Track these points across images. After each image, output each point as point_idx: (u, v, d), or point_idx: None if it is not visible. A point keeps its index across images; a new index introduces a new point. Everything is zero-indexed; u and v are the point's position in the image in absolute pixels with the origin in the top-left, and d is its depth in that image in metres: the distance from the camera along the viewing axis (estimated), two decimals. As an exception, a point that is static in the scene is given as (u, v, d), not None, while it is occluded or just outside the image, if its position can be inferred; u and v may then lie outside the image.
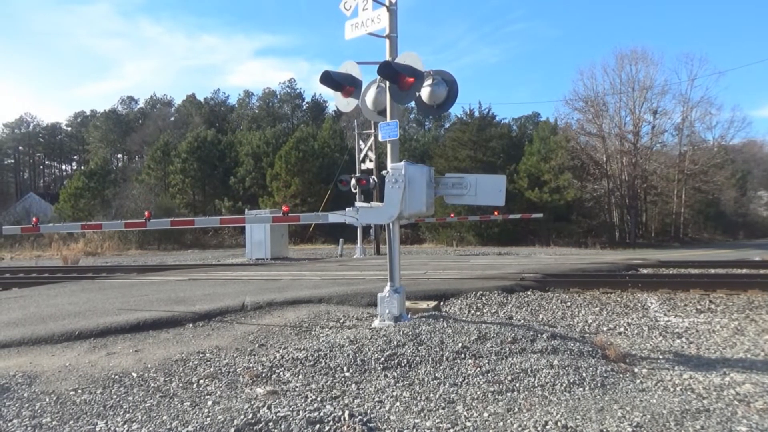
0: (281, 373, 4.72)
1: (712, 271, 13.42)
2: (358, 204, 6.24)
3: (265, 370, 4.77)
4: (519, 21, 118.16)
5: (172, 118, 79.55)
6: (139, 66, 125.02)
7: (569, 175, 37.66)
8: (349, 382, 4.47)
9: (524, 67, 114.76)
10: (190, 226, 9.74)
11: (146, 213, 7.49)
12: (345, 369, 4.73)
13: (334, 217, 6.47)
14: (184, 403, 4.08)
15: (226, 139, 56.06)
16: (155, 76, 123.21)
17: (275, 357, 5.11)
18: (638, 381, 4.58)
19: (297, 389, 4.34)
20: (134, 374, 4.79)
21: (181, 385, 4.53)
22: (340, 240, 28.08)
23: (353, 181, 15.40)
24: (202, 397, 4.21)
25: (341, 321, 6.86)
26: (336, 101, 7.04)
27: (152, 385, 4.54)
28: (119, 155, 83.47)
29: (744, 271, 13.11)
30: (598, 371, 4.69)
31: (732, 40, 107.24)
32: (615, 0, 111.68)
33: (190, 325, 7.00)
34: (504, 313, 7.90)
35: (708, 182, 41.31)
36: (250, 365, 4.94)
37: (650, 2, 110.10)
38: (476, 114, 42.42)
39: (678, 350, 5.78)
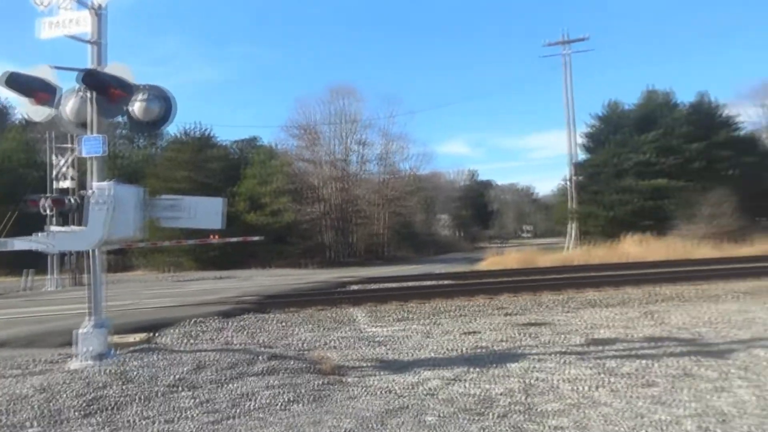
0: (-61, 440, 3.77)
1: (407, 284, 15.40)
2: (52, 228, 5.44)
3: None
4: (241, 43, 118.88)
5: None
6: None
7: (287, 198, 39.09)
8: (38, 438, 3.81)
9: (245, 90, 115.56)
10: None
11: None
12: (31, 424, 4.01)
13: (20, 244, 5.49)
14: None
15: None
16: None
17: (-70, 422, 4.05)
18: (348, 390, 4.96)
19: (-38, 458, 3.51)
20: None
21: None
22: (28, 271, 23.81)
23: (46, 202, 13.29)
24: None
25: (27, 367, 5.79)
26: (25, 108, 6.04)
27: None
28: None
29: (430, 282, 15.38)
30: (313, 386, 4.94)
31: (422, 85, 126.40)
32: (330, 36, 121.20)
33: None
34: (222, 338, 7.73)
35: (403, 206, 47.77)
36: None
37: (357, 42, 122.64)
38: (195, 134, 41.09)
39: (381, 357, 6.45)
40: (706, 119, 31.08)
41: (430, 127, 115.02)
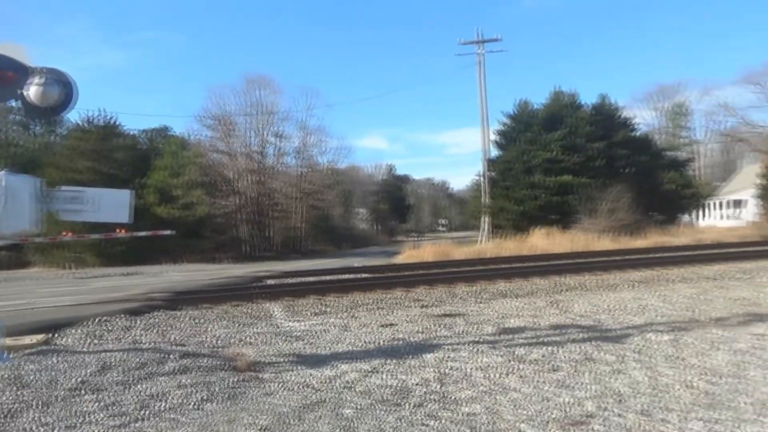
0: None
1: (325, 277, 15.34)
2: (-68, 222, 4.95)
3: None
4: (149, 28, 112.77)
5: None
6: None
7: (200, 191, 37.79)
8: None
9: (155, 77, 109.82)
10: None
11: None
12: None
13: None
14: None
15: None
16: None
17: None
18: (265, 386, 4.89)
19: None
20: None
21: None
22: None
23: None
24: None
25: None
26: None
27: None
28: None
29: (349, 276, 15.41)
30: (228, 383, 4.82)
31: (340, 79, 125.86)
32: (245, 24, 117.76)
33: None
34: (130, 337, 7.36)
35: (321, 200, 47.71)
36: None
37: (273, 32, 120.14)
38: (99, 122, 38.64)
39: (299, 352, 6.40)
40: (606, 120, 33.19)
41: (349, 121, 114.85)
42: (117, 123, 40.13)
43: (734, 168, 66.59)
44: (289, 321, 8.45)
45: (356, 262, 25.93)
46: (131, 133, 45.08)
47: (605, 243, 23.90)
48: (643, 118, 62.13)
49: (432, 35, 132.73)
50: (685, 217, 39.03)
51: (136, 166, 38.69)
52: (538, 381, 4.72)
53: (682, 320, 7.16)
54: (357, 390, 4.68)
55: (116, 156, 37.55)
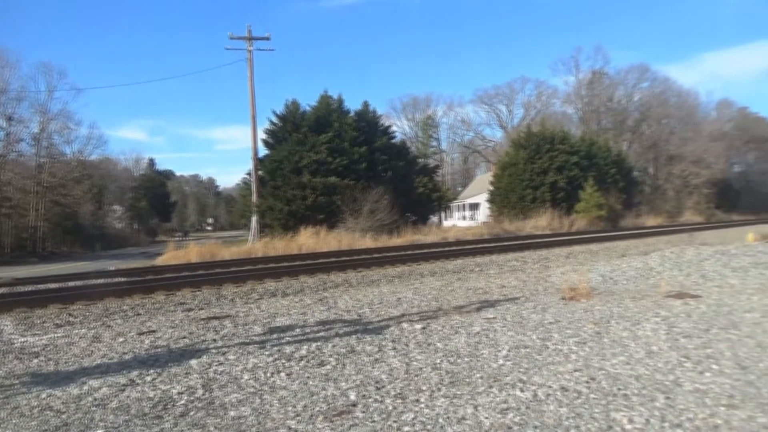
0: None
1: (71, 283, 13.56)
2: None
3: None
4: None
5: None
6: None
7: None
8: None
9: None
10: None
11: None
12: None
13: None
14: None
15: None
16: None
17: None
18: (-11, 415, 4.12)
19: None
20: None
21: None
22: None
23: None
24: None
25: None
26: None
27: None
28: None
29: (101, 281, 13.86)
30: (-64, 418, 3.95)
31: (91, 60, 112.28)
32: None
33: None
34: None
35: (67, 195, 41.90)
36: None
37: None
38: None
39: (36, 370, 5.54)
40: (369, 126, 35.55)
41: (102, 109, 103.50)
42: None
43: (472, 176, 77.62)
44: (24, 336, 7.27)
45: (111, 265, 23.51)
46: None
47: (367, 242, 25.61)
48: (400, 127, 68.76)
49: (205, 29, 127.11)
50: (434, 218, 43.90)
51: None
52: (305, 377, 4.85)
53: (431, 309, 8.03)
54: (110, 407, 4.24)
55: None
